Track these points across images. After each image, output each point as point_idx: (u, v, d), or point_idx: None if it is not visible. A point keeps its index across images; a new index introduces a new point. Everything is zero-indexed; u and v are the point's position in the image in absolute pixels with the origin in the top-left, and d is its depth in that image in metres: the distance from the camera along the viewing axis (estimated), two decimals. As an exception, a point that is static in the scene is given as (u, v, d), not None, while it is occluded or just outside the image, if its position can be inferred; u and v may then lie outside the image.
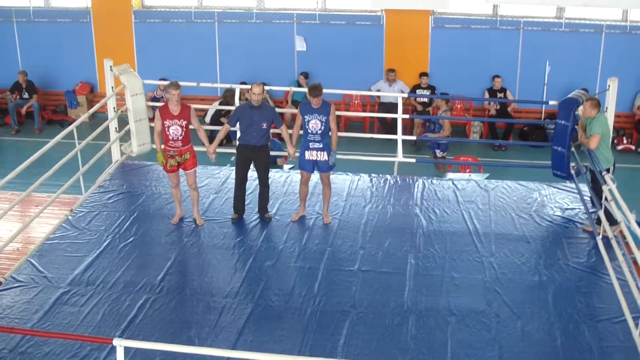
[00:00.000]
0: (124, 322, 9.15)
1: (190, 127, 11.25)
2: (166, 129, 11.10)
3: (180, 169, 11.41)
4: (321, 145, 11.29)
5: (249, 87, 11.65)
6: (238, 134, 12.03)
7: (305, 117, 11.19)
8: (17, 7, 20.57)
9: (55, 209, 11.98)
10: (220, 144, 11.83)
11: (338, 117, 16.35)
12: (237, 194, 11.71)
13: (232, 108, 13.08)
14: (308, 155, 11.37)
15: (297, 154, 11.55)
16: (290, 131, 11.76)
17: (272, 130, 11.80)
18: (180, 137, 11.14)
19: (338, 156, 11.54)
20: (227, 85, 15.86)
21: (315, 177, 11.86)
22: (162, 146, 11.26)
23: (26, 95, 19.99)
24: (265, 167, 11.63)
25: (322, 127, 11.16)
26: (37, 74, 20.54)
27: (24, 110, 19.95)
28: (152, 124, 11.47)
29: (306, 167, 11.47)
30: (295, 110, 12.57)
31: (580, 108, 11.45)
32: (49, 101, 20.84)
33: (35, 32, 20.57)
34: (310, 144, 11.30)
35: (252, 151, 11.43)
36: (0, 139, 19.45)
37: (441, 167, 15.41)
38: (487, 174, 14.50)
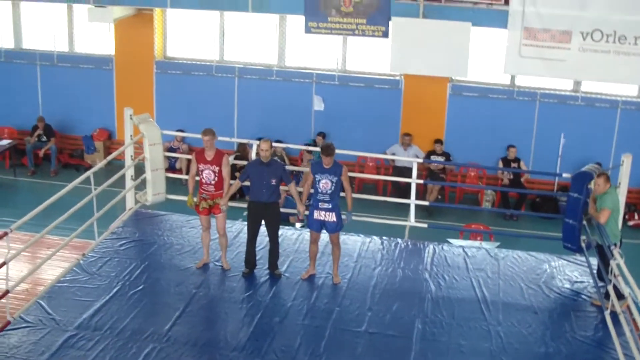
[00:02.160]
0: (129, 369, 9.19)
1: None
2: (200, 173, 11.51)
3: (211, 213, 11.74)
4: (330, 206, 11.38)
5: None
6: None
7: (316, 176, 11.30)
8: (41, 50, 20.87)
9: (67, 252, 12.04)
10: (234, 198, 11.93)
11: (352, 178, 16.46)
12: (249, 249, 11.79)
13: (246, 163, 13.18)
14: (317, 214, 11.46)
15: (307, 213, 11.64)
16: (300, 189, 11.85)
17: (283, 188, 11.90)
18: (212, 182, 11.54)
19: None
20: (245, 140, 15.98)
21: (326, 236, 11.89)
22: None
23: (44, 139, 20.18)
24: (275, 224, 11.73)
25: (332, 187, 11.27)
26: (57, 117, 20.78)
27: (41, 153, 20.14)
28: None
29: (314, 226, 11.56)
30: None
31: (593, 182, 11.53)
32: (66, 145, 21.01)
33: (57, 76, 20.83)
34: (320, 203, 11.39)
35: (263, 208, 11.55)
36: (16, 180, 19.62)
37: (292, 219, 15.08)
38: (498, 243, 14.52)
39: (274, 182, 11.42)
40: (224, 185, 11.67)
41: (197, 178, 11.73)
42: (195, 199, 11.71)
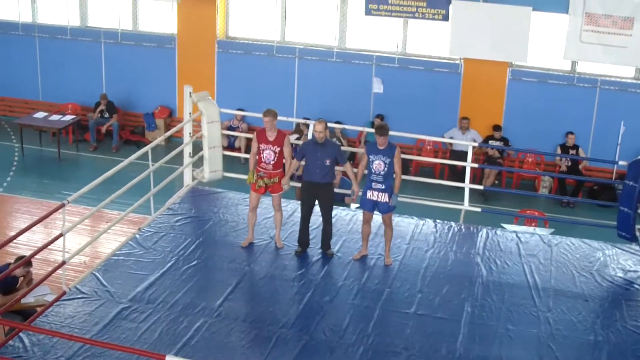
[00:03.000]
0: (179, 342, 9.36)
1: None
2: (260, 152, 11.59)
3: (267, 191, 11.83)
4: (383, 187, 11.43)
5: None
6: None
7: (370, 157, 11.37)
8: (106, 28, 21.19)
9: (124, 226, 12.31)
10: (292, 177, 12.02)
11: (409, 160, 16.45)
12: (302, 229, 11.89)
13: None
14: (369, 194, 11.53)
15: (361, 193, 11.72)
16: (355, 170, 11.93)
17: (339, 169, 11.95)
18: (271, 162, 11.61)
19: (405, 199, 11.65)
20: (302, 120, 16.08)
21: (379, 217, 11.93)
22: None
23: (107, 115, 20.52)
24: (328, 204, 11.79)
25: (386, 169, 11.32)
26: (119, 94, 21.13)
27: (104, 129, 20.48)
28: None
29: (366, 206, 11.63)
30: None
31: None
32: (127, 121, 21.33)
33: (121, 53, 21.16)
34: (373, 184, 11.45)
35: (316, 188, 11.62)
36: (78, 155, 20.00)
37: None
38: (552, 230, 14.43)
39: (327, 162, 11.48)
40: (286, 164, 11.76)
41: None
42: (254, 177, 11.78)
